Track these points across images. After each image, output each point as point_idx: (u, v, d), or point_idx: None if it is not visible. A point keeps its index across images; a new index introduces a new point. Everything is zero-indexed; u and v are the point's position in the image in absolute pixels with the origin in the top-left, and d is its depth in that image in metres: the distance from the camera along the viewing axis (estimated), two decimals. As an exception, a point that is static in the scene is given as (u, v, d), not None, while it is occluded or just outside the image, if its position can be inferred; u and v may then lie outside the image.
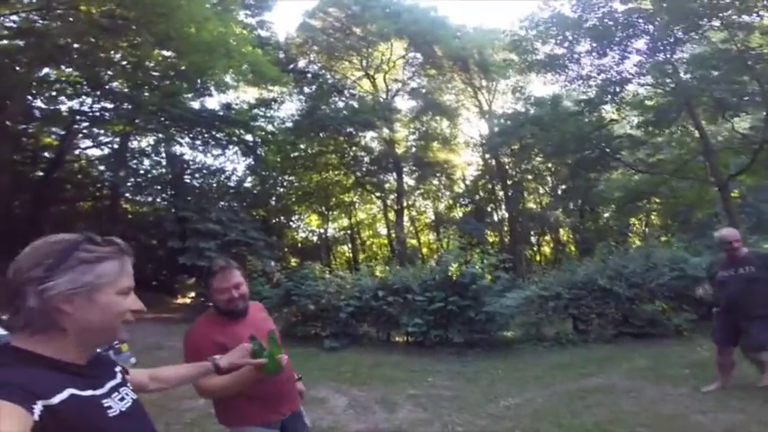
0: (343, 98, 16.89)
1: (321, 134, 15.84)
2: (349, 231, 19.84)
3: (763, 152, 9.17)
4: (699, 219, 10.97)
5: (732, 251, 3.46)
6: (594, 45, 10.38)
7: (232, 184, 14.41)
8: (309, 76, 16.64)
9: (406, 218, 20.55)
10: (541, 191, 19.22)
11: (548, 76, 11.71)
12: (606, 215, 16.08)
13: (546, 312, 6.73)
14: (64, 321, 0.82)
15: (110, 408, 0.86)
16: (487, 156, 17.98)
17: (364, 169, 17.51)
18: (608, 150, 11.30)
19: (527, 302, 6.78)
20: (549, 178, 17.80)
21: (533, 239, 19.73)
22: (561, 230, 18.65)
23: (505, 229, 18.82)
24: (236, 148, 13.34)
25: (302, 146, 16.15)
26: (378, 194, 18.33)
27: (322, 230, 18.90)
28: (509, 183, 17.67)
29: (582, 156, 11.79)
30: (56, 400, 0.75)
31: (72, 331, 0.83)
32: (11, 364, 0.77)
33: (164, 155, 12.25)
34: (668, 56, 9.91)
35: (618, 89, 10.66)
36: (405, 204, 18.69)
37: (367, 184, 17.65)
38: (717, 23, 8.97)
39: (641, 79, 10.65)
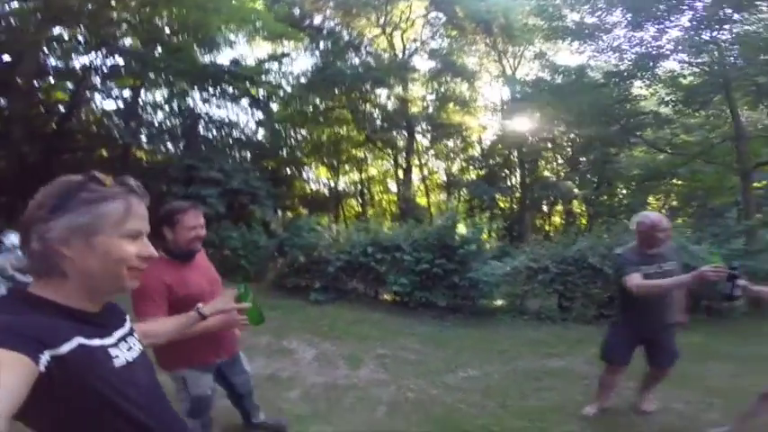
0: (359, 55, 16.36)
1: (335, 90, 15.52)
2: (359, 186, 19.90)
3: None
4: (716, 205, 10.50)
5: (660, 242, 2.77)
6: (630, 17, 9.40)
7: (245, 136, 14.65)
8: (325, 32, 16.00)
9: (417, 177, 20.45)
10: (560, 161, 18.58)
11: (575, 45, 10.85)
12: (623, 192, 15.54)
13: (532, 285, 6.73)
14: (65, 266, 0.79)
15: (116, 357, 0.85)
16: (506, 121, 17.29)
17: (378, 126, 17.28)
18: (629, 127, 10.68)
19: (514, 273, 6.73)
20: (568, 149, 17.12)
21: (545, 208, 19.38)
22: (575, 202, 18.21)
23: (517, 195, 18.52)
24: (248, 101, 13.40)
25: (316, 101, 15.93)
26: (389, 152, 18.17)
27: (332, 183, 18.98)
28: (524, 150, 17.11)
29: (600, 129, 11.18)
30: (64, 349, 0.74)
31: (73, 276, 0.80)
32: (22, 311, 0.76)
33: (176, 107, 12.41)
34: (713, 34, 8.89)
35: (653, 64, 9.80)
36: (417, 163, 18.52)
37: (378, 140, 17.42)
38: None
39: (679, 56, 9.68)
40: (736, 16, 8.31)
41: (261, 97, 13.53)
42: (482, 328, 5.82)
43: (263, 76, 12.95)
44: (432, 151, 19.41)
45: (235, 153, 13.44)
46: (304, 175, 18.04)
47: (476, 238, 6.51)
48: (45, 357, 0.70)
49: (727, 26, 8.53)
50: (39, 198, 0.80)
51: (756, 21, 8.40)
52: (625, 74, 10.09)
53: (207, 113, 13.05)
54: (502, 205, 19.50)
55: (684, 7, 8.69)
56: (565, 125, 14.01)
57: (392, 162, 18.54)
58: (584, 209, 18.01)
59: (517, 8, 14.29)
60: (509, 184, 19.15)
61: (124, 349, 0.88)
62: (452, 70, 16.46)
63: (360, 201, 20.33)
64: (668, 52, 9.45)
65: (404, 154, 17.68)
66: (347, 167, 19.14)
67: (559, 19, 10.43)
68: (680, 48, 9.24)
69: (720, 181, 10.78)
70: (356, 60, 16.02)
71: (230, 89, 12.19)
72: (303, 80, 15.42)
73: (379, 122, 17.16)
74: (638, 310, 2.80)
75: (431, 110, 17.31)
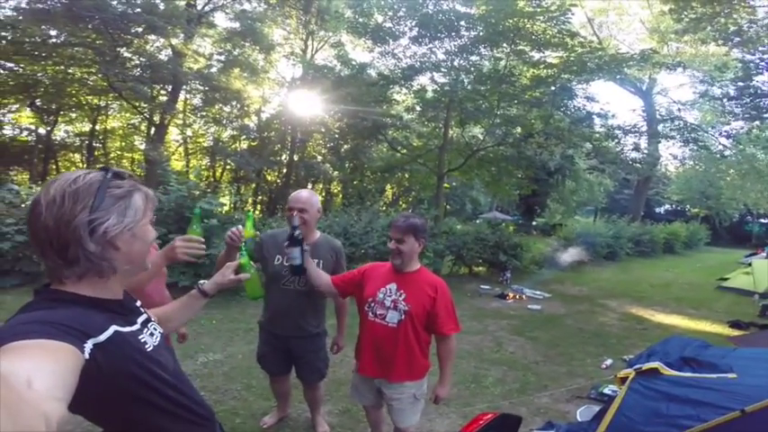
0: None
1: (89, 25, 11.71)
2: (87, 139, 15.71)
3: (471, 159, 12.30)
4: (421, 197, 14.05)
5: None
6: (417, 30, 10.74)
7: None
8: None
9: (179, 138, 18.02)
10: (328, 145, 20.24)
11: (368, 43, 11.83)
12: (370, 178, 18.52)
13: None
14: (117, 260, 0.83)
15: (145, 342, 0.89)
16: (291, 99, 17.45)
17: (134, 74, 14.11)
18: (378, 125, 12.80)
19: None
20: (336, 135, 18.84)
21: (309, 186, 20.81)
22: (334, 183, 20.37)
23: (284, 171, 19.12)
24: None
25: (46, 32, 11.69)
26: (142, 105, 15.20)
27: (43, 131, 14.22)
28: (299, 129, 17.77)
29: (358, 122, 12.90)
30: (103, 337, 0.76)
31: (120, 268, 0.84)
32: (59, 306, 0.77)
33: None
34: (461, 62, 11.22)
35: (414, 75, 11.71)
36: (180, 123, 16.24)
37: (127, 90, 14.25)
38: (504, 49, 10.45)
39: (432, 74, 11.77)
40: (483, 51, 10.71)
41: None
42: (226, 309, 5.74)
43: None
44: (202, 113, 17.44)
45: None
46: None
47: (216, 211, 6.10)
48: (88, 346, 0.72)
49: (474, 58, 10.95)
50: (70, 200, 0.76)
51: (490, 58, 11.13)
52: (391, 78, 11.78)
53: None
54: (269, 178, 19.68)
55: (454, 34, 10.54)
56: (336, 113, 15.36)
57: (146, 117, 15.56)
58: (339, 189, 20.41)
59: (346, -2, 14.39)
60: (279, 159, 19.48)
61: (148, 335, 0.92)
62: (253, 36, 15.27)
63: (86, 156, 16.15)
64: (427, 69, 11.47)
65: (161, 110, 15.17)
66: (73, 115, 14.78)
67: (367, 16, 11.16)
68: (436, 67, 11.41)
69: (428, 179, 14.45)
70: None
71: None
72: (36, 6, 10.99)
73: (138, 71, 14.05)
74: (273, 306, 2.32)
75: (213, 70, 15.57)
